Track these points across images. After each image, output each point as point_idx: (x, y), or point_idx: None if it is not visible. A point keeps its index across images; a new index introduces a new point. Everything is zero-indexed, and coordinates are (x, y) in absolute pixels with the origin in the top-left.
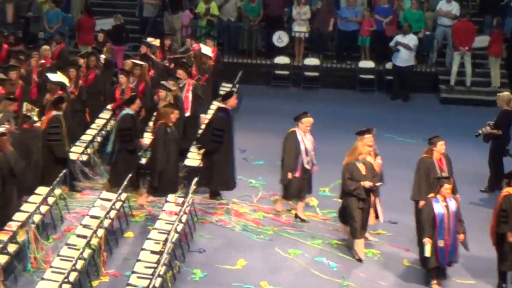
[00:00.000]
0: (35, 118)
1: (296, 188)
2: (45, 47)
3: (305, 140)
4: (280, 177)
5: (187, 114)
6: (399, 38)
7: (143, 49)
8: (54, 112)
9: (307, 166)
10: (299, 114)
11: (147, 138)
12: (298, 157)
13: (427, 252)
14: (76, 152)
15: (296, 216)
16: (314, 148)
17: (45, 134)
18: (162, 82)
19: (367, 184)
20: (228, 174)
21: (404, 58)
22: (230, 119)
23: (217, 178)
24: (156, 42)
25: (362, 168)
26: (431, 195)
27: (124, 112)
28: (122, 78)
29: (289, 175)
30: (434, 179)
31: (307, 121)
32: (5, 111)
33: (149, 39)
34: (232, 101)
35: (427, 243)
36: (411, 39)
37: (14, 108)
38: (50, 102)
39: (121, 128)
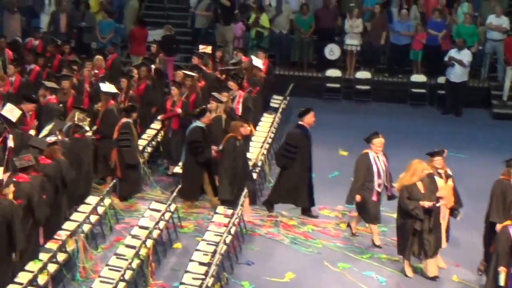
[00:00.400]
0: (87, 128)
1: (373, 212)
2: (98, 57)
3: (378, 162)
4: (346, 196)
5: None
6: (453, 53)
7: (195, 60)
8: (124, 120)
9: (378, 189)
10: (369, 135)
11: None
12: (372, 180)
13: (501, 281)
14: None
15: (373, 243)
16: (388, 169)
17: (116, 141)
18: (214, 93)
19: (426, 204)
20: (302, 192)
21: (458, 74)
22: (307, 136)
23: (284, 192)
24: (208, 50)
25: (420, 186)
26: (508, 222)
27: (193, 124)
28: (173, 90)
29: (358, 198)
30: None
31: (378, 141)
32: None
33: (201, 47)
34: (309, 118)
35: (502, 272)
36: (466, 55)
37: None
38: (121, 109)
39: (192, 141)
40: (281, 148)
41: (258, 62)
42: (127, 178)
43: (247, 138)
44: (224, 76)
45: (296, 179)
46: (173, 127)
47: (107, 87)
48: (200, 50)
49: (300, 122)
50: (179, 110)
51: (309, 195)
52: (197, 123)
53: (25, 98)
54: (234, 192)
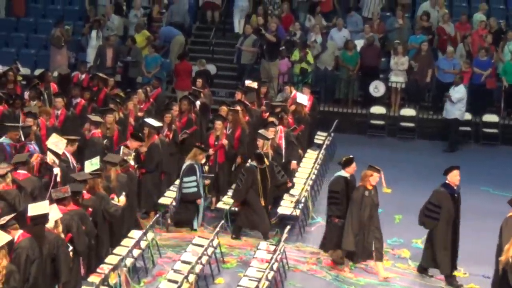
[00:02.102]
0: (132, 162)
1: None
2: (139, 91)
3: None
4: None
5: (282, 160)
6: (450, 89)
7: (238, 96)
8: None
9: None
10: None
11: None
12: None
13: None
14: (170, 197)
15: None
16: None
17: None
18: (259, 131)
19: None
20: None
21: (448, 110)
22: (452, 196)
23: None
24: (254, 85)
25: None
26: None
27: (337, 174)
28: (218, 124)
29: None
30: None
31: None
32: (195, 159)
33: (247, 82)
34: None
35: None
36: (457, 92)
37: (203, 157)
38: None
39: (331, 190)
40: (424, 207)
41: (303, 98)
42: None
43: (292, 173)
44: (267, 113)
45: (440, 242)
46: (219, 161)
47: (152, 121)
48: (246, 85)
49: (446, 181)
50: (225, 141)
51: (451, 260)
52: (341, 173)
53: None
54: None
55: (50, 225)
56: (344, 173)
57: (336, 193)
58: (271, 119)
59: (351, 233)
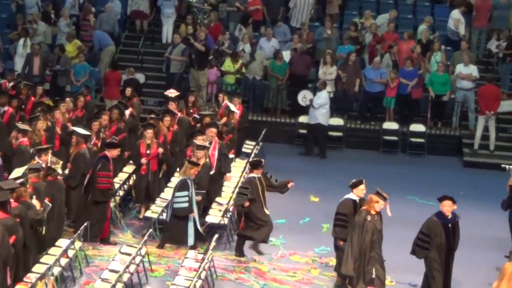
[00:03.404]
0: (59, 171)
1: None
2: (68, 99)
3: None
4: None
5: (212, 171)
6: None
7: (172, 106)
8: (251, 174)
9: None
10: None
11: None
12: None
13: None
14: None
15: None
16: None
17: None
18: (197, 142)
19: None
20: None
21: (311, 115)
22: (444, 225)
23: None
24: (173, 94)
25: None
26: None
27: (346, 196)
28: (148, 133)
29: None
30: None
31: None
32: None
33: (167, 91)
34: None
35: None
36: (318, 97)
37: (194, 172)
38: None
39: (338, 212)
40: (416, 236)
41: (233, 107)
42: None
43: (220, 182)
44: (197, 121)
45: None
46: (152, 169)
47: (80, 130)
48: (167, 93)
49: (440, 210)
50: (160, 150)
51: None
52: (350, 195)
53: None
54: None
55: None
56: (353, 195)
57: (343, 216)
58: (212, 130)
59: (350, 257)
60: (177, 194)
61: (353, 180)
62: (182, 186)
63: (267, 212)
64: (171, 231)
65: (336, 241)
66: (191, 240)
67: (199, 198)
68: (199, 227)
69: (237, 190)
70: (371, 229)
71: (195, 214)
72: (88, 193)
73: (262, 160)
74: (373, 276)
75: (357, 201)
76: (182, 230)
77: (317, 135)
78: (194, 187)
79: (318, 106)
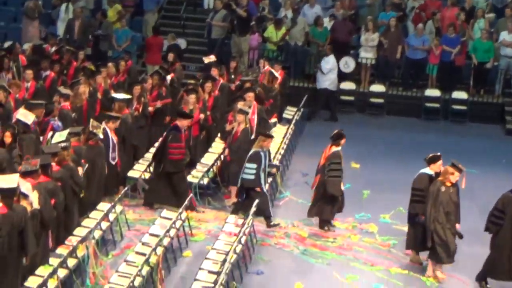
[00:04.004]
0: (100, 135)
1: None
2: (110, 64)
3: None
4: None
5: (252, 136)
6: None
7: (214, 72)
8: (334, 148)
9: None
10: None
11: None
12: None
13: None
14: (139, 170)
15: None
16: None
17: (325, 169)
18: (240, 106)
19: None
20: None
21: (319, 80)
22: None
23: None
24: (211, 59)
25: None
26: None
27: (422, 171)
28: (191, 98)
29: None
30: None
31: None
32: (260, 146)
33: (205, 57)
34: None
35: None
36: (327, 62)
37: (268, 143)
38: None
39: (414, 188)
40: (490, 212)
41: (276, 73)
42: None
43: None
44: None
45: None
46: (194, 134)
47: (120, 95)
48: (205, 59)
49: None
50: (202, 116)
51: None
52: (426, 170)
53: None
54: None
55: (34, 198)
56: (429, 170)
57: (420, 191)
58: (249, 94)
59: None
60: (247, 165)
61: (430, 155)
62: (252, 157)
63: (342, 188)
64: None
65: (418, 217)
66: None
67: (274, 170)
68: (269, 200)
69: (327, 167)
70: (446, 200)
71: (263, 188)
72: (159, 163)
73: (342, 132)
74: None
75: (433, 175)
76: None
77: (329, 101)
78: (268, 160)
79: (327, 71)
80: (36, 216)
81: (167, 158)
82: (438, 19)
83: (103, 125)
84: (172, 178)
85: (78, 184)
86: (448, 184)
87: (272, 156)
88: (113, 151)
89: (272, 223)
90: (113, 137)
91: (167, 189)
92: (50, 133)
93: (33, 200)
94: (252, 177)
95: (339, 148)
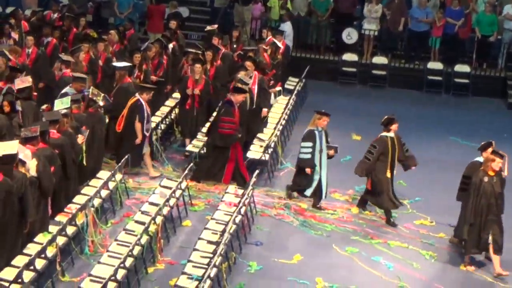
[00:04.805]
0: (100, 103)
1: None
2: (112, 32)
3: None
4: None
5: (254, 107)
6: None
7: (215, 41)
8: (383, 133)
9: None
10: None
11: None
12: None
13: None
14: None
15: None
16: None
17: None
18: (239, 75)
19: None
20: None
21: None
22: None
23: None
24: (214, 28)
25: None
26: None
27: (476, 159)
28: (197, 68)
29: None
30: None
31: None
32: (315, 125)
33: (208, 27)
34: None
35: None
36: (281, 28)
37: (323, 121)
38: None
39: (463, 175)
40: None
41: (279, 43)
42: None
43: (263, 119)
44: (242, 57)
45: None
46: (197, 106)
47: (121, 63)
48: (207, 29)
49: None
50: (196, 92)
51: None
52: (479, 158)
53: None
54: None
55: (32, 165)
56: (481, 158)
57: (467, 179)
58: (248, 64)
59: (464, 221)
60: (302, 144)
61: (482, 143)
62: (307, 136)
63: (389, 175)
64: (295, 180)
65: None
66: (308, 192)
67: (332, 152)
68: (324, 183)
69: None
70: (489, 191)
71: (323, 169)
72: (207, 136)
73: (394, 117)
74: (489, 241)
75: None
76: (307, 181)
77: None
78: (325, 139)
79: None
80: (34, 183)
81: (217, 131)
82: None
83: (137, 96)
84: (221, 153)
85: (76, 151)
86: (491, 173)
87: (273, 127)
88: (147, 122)
89: (319, 205)
90: (147, 109)
91: (215, 166)
92: None
93: (31, 167)
94: (308, 156)
95: (387, 134)
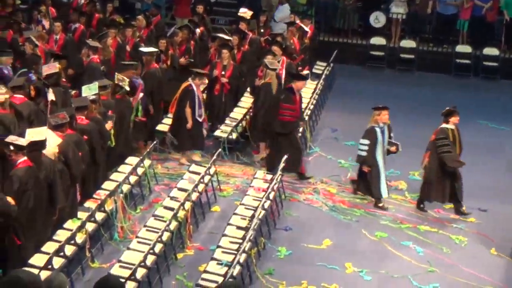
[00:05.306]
0: (127, 88)
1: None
2: (139, 17)
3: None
4: None
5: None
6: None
7: (242, 26)
8: (443, 125)
9: None
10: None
11: None
12: None
13: None
14: (167, 124)
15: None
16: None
17: (435, 146)
18: (265, 60)
19: None
20: None
21: (273, 29)
22: None
23: None
24: (247, 15)
25: None
26: None
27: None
28: (225, 53)
29: None
30: None
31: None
32: (375, 121)
33: (241, 10)
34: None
35: None
36: (280, 11)
37: (383, 115)
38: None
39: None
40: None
41: (306, 28)
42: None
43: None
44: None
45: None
46: (225, 91)
47: (147, 48)
48: (240, 14)
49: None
50: (224, 80)
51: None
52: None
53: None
54: None
55: (54, 150)
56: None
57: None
58: (275, 48)
59: None
60: (360, 140)
61: (447, 108)
62: (366, 133)
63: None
64: (358, 182)
65: None
66: (384, 193)
67: (393, 148)
68: (383, 181)
69: (437, 144)
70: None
71: (380, 166)
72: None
73: (455, 109)
74: None
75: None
76: (366, 182)
77: None
78: (387, 136)
79: (279, 20)
80: (63, 169)
81: (277, 118)
82: None
83: (190, 81)
84: (281, 141)
85: (105, 137)
86: None
87: (301, 111)
88: (199, 107)
89: (381, 204)
90: (199, 94)
91: (279, 154)
92: (141, 94)
93: (49, 152)
94: (364, 153)
95: (447, 126)
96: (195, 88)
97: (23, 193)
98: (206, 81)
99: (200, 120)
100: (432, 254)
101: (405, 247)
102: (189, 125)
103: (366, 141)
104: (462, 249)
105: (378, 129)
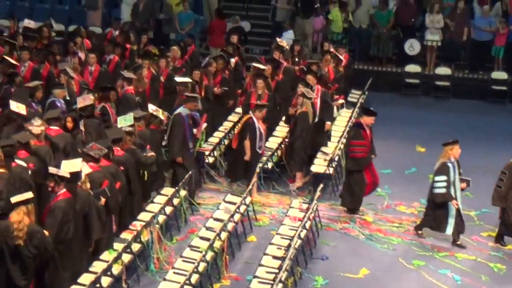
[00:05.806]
0: (162, 117)
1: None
2: (174, 48)
3: None
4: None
5: (316, 120)
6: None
7: (276, 55)
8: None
9: None
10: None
11: None
12: None
13: None
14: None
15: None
16: None
17: None
18: (303, 89)
19: None
20: None
21: None
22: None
23: None
24: (284, 43)
25: None
26: None
27: None
28: (260, 83)
29: None
30: None
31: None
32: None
33: (278, 40)
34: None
35: None
36: (284, 38)
37: (455, 151)
38: None
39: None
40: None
41: (341, 56)
42: None
43: (326, 133)
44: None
45: None
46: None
47: (181, 78)
48: (277, 43)
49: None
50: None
51: None
52: None
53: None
54: None
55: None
56: None
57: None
58: (309, 77)
59: None
60: (435, 178)
61: None
62: (440, 169)
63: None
64: (429, 215)
65: None
66: (449, 229)
67: (464, 185)
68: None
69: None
70: None
71: (459, 202)
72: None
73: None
74: None
75: None
76: (440, 219)
77: None
78: (458, 170)
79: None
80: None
81: (349, 155)
82: (507, 1)
83: (250, 113)
84: (350, 177)
85: (146, 164)
86: None
87: (337, 140)
88: (260, 140)
89: (459, 243)
90: (259, 126)
91: (355, 189)
92: (204, 125)
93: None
94: (443, 190)
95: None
96: (255, 121)
97: (64, 225)
98: (265, 112)
99: (260, 152)
100: (470, 282)
101: (443, 275)
102: (246, 157)
103: (443, 177)
104: (500, 277)
105: (450, 164)
